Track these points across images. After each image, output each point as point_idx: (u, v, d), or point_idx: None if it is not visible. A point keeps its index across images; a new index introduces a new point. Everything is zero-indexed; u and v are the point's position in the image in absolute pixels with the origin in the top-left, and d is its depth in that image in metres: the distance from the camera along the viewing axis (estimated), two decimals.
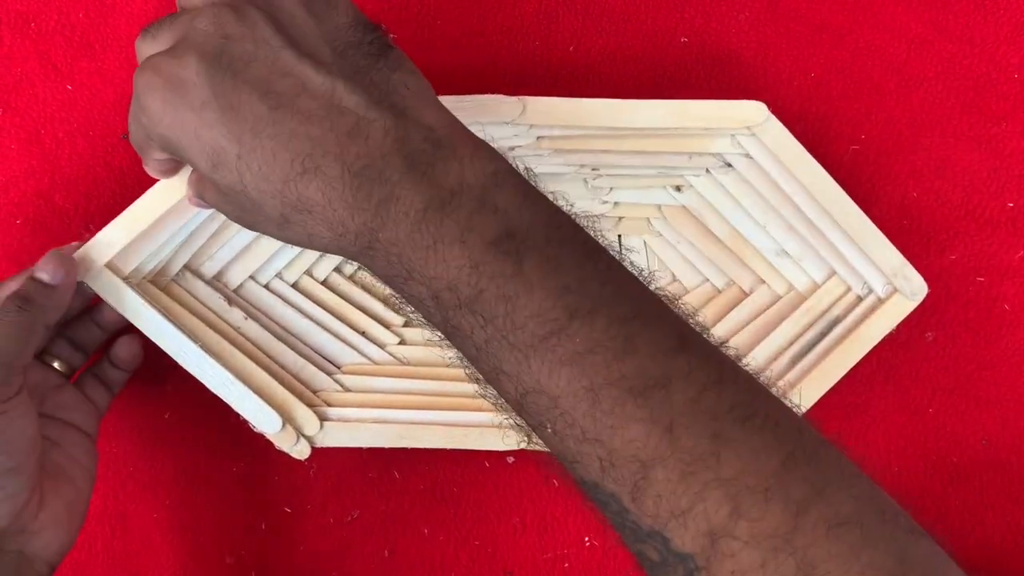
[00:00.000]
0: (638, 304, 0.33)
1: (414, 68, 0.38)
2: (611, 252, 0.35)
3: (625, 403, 0.30)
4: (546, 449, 0.34)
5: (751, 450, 0.30)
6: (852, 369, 0.50)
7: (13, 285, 0.44)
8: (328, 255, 0.54)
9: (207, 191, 0.38)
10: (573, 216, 0.36)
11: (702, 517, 0.29)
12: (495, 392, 0.35)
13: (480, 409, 0.50)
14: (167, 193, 0.47)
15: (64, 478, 0.46)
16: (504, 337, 0.32)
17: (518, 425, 0.35)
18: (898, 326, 0.51)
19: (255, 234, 0.51)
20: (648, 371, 0.31)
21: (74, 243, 0.47)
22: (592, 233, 0.35)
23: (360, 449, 0.52)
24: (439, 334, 0.35)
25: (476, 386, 0.36)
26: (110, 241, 0.47)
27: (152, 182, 0.47)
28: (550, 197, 0.36)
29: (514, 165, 0.36)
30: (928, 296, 0.50)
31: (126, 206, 0.48)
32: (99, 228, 0.48)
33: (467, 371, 0.35)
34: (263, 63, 0.34)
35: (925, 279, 0.51)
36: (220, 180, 0.35)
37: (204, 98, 0.34)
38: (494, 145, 0.50)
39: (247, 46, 0.34)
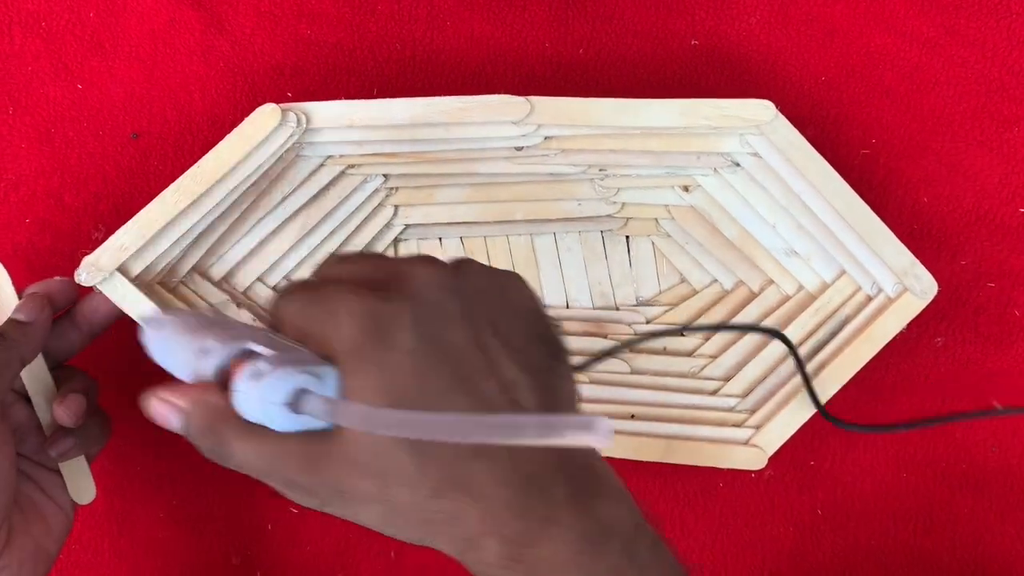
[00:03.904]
0: None
1: (574, 378, 0.36)
2: None
3: None
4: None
5: None
6: (861, 374, 0.50)
7: None
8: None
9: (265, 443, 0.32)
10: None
11: None
12: None
13: None
14: (177, 196, 0.47)
15: (36, 515, 0.46)
16: None
17: None
18: (908, 331, 0.50)
19: (263, 236, 0.52)
20: None
21: (56, 277, 0.47)
22: None
23: None
24: None
25: None
26: (122, 245, 0.47)
27: (163, 185, 0.47)
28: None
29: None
30: (938, 301, 0.50)
31: (136, 205, 0.48)
32: (108, 228, 0.48)
33: None
34: (467, 331, 0.33)
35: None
36: (384, 422, 0.31)
37: (410, 345, 0.31)
38: (501, 146, 0.50)
39: (459, 308, 0.33)
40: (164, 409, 0.34)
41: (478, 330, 0.33)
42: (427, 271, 0.33)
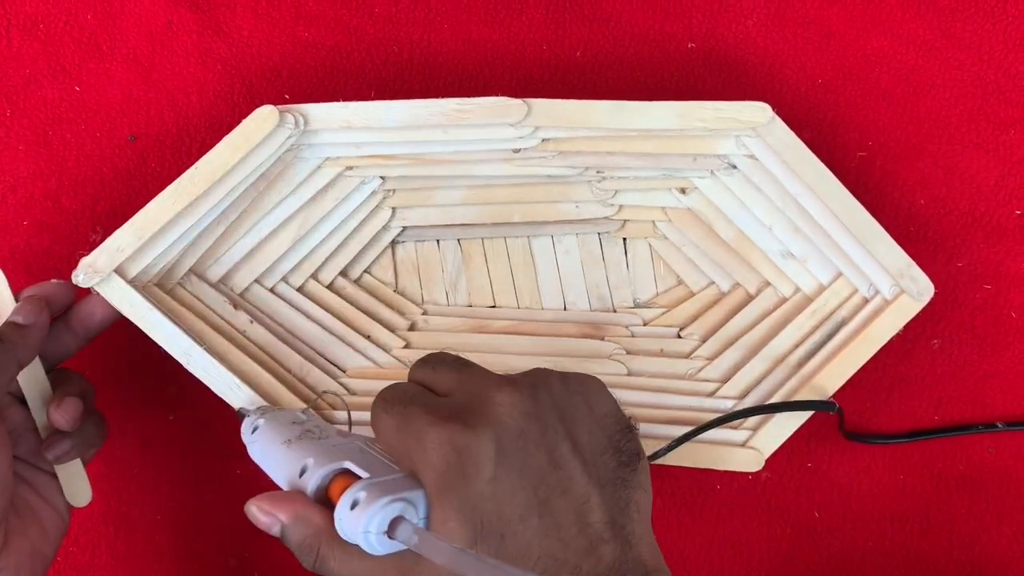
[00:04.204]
0: None
1: (648, 483, 0.38)
2: None
3: None
4: None
5: None
6: (858, 376, 0.50)
7: None
8: (333, 258, 0.54)
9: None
10: None
11: None
12: None
13: None
14: (175, 198, 0.47)
15: (32, 517, 0.45)
16: None
17: None
18: (904, 333, 0.50)
19: (261, 237, 0.52)
20: None
21: (53, 280, 0.47)
22: None
23: None
24: None
25: None
26: (119, 246, 0.47)
27: (161, 187, 0.47)
28: None
29: None
30: (935, 303, 0.50)
31: (133, 207, 0.48)
32: (106, 230, 0.48)
33: None
34: (544, 453, 0.35)
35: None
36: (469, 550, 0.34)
37: (490, 475, 0.34)
38: (499, 148, 0.50)
39: (538, 430, 0.36)
40: (265, 519, 0.38)
41: (554, 448, 0.36)
42: (508, 398, 0.36)
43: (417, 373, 0.40)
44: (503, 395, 0.36)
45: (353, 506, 0.34)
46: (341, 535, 0.34)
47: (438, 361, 0.40)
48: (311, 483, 0.37)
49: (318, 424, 0.42)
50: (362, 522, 0.33)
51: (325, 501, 0.37)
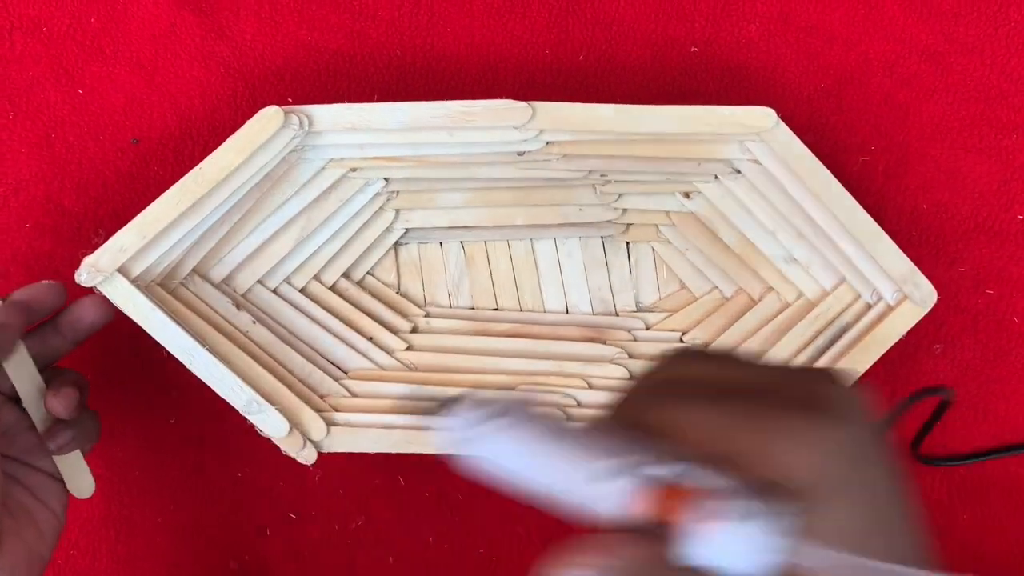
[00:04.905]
0: None
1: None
2: None
3: None
4: None
5: None
6: (860, 379, 0.50)
7: None
8: (336, 260, 0.54)
9: None
10: None
11: None
12: None
13: None
14: (179, 198, 0.47)
15: (27, 519, 0.45)
16: None
17: None
18: (906, 338, 0.50)
19: (264, 238, 0.52)
20: None
21: (43, 281, 0.47)
22: None
23: (366, 455, 0.51)
24: None
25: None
26: (123, 246, 0.47)
27: (163, 190, 0.47)
28: None
29: None
30: (937, 308, 0.50)
31: (136, 210, 0.48)
32: (108, 232, 0.48)
33: None
34: (892, 462, 0.32)
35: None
36: None
37: (873, 476, 0.30)
38: (503, 151, 0.50)
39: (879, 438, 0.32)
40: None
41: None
42: (846, 395, 0.31)
43: (680, 369, 0.34)
44: (842, 393, 0.31)
45: (714, 522, 0.26)
46: (692, 560, 0.27)
47: (704, 355, 0.34)
48: (621, 494, 0.28)
49: (564, 426, 0.32)
50: (743, 537, 0.26)
51: (640, 520, 0.28)
